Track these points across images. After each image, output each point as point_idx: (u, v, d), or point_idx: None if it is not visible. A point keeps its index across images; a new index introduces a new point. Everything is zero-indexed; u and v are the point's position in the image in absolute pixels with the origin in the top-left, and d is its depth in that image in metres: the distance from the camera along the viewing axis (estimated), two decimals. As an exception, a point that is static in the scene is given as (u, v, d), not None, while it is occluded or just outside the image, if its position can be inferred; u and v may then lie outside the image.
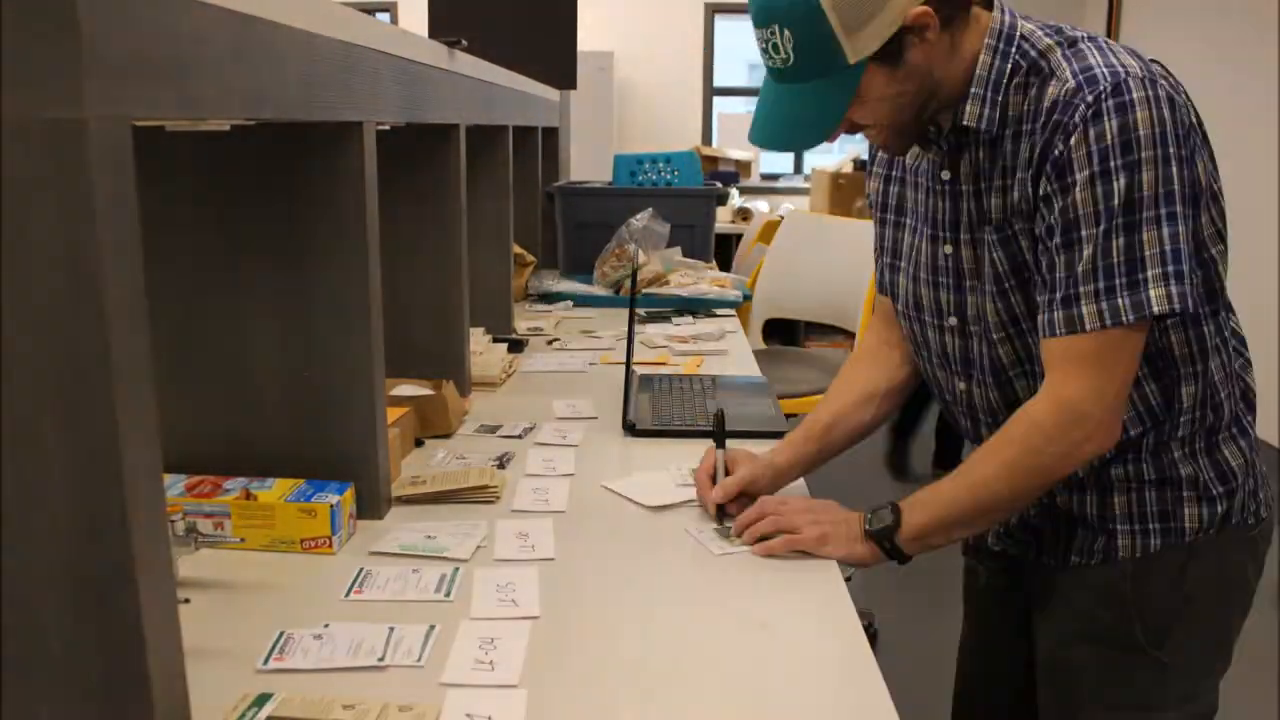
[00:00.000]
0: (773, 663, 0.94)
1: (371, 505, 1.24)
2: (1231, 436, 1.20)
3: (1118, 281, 1.03)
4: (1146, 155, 1.01)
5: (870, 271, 3.09)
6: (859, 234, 3.21)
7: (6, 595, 0.65)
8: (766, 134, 1.13)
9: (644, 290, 2.68)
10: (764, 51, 1.09)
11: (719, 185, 3.18)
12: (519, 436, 1.60)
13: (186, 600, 0.98)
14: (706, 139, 6.42)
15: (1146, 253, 1.02)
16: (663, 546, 1.20)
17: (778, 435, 1.52)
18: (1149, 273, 1.02)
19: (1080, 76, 1.04)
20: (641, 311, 2.59)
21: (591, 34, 5.52)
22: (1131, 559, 1.19)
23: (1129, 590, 1.19)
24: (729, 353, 2.20)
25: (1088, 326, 1.04)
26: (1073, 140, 1.03)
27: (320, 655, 0.93)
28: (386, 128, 1.58)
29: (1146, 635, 1.19)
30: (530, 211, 3.02)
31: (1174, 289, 1.02)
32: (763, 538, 1.17)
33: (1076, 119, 1.03)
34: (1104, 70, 1.03)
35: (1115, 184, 1.01)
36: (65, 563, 0.65)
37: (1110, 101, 1.01)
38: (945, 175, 1.18)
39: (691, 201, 2.94)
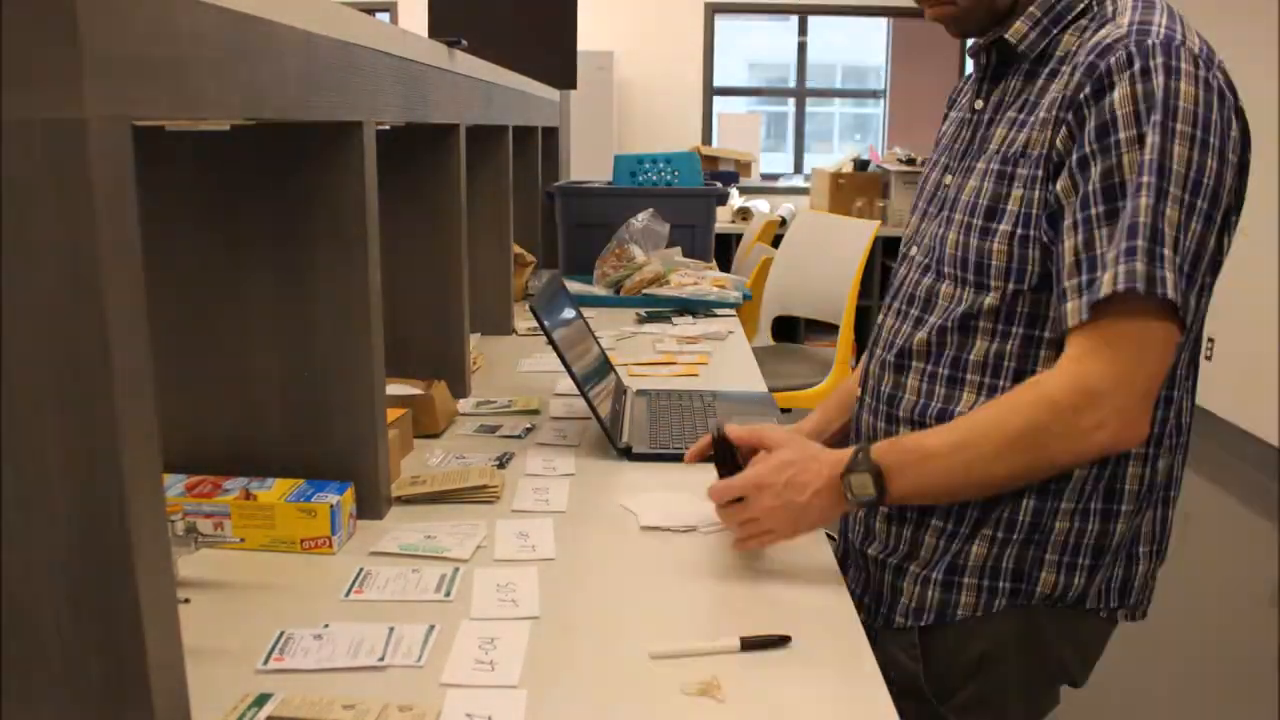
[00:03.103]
0: (773, 663, 0.94)
1: (371, 505, 1.24)
2: (1128, 513, 1.09)
3: (1139, 244, 0.92)
4: (1183, 129, 0.94)
5: (858, 269, 3.11)
6: (866, 233, 3.22)
7: (6, 595, 0.65)
8: None
9: (644, 290, 2.68)
10: None
11: (719, 185, 3.18)
12: (519, 436, 1.60)
13: (186, 600, 0.99)
14: (706, 139, 6.42)
15: (1167, 233, 0.93)
16: (663, 546, 1.20)
17: None
18: (1166, 251, 0.93)
19: (1135, 27, 0.97)
20: (642, 311, 2.60)
21: (591, 34, 5.52)
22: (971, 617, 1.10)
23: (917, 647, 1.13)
24: (730, 353, 2.20)
25: (1103, 292, 0.94)
26: (1115, 96, 0.95)
27: (320, 655, 0.93)
28: (386, 128, 1.58)
29: (931, 684, 1.13)
30: (530, 211, 3.02)
31: (1183, 284, 0.94)
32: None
33: (1116, 70, 0.95)
34: (1161, 30, 0.96)
35: (1125, 151, 0.94)
36: (65, 563, 0.65)
37: (1158, 60, 0.94)
38: (978, 104, 1.14)
39: (691, 201, 2.94)
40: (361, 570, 1.11)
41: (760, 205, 5.76)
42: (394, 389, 1.56)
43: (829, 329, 3.27)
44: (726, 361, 2.13)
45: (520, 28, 3.23)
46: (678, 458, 1.48)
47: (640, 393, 1.80)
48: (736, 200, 5.76)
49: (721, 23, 6.39)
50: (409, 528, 1.22)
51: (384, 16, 6.16)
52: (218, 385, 1.21)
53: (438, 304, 1.72)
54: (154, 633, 0.68)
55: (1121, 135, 0.95)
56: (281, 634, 0.96)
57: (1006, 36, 1.07)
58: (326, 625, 0.98)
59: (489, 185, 2.19)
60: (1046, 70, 1.05)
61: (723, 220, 5.21)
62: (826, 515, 1.07)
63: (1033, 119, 1.04)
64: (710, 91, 6.44)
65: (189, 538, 1.02)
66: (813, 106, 6.72)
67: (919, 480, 1.03)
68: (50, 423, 0.63)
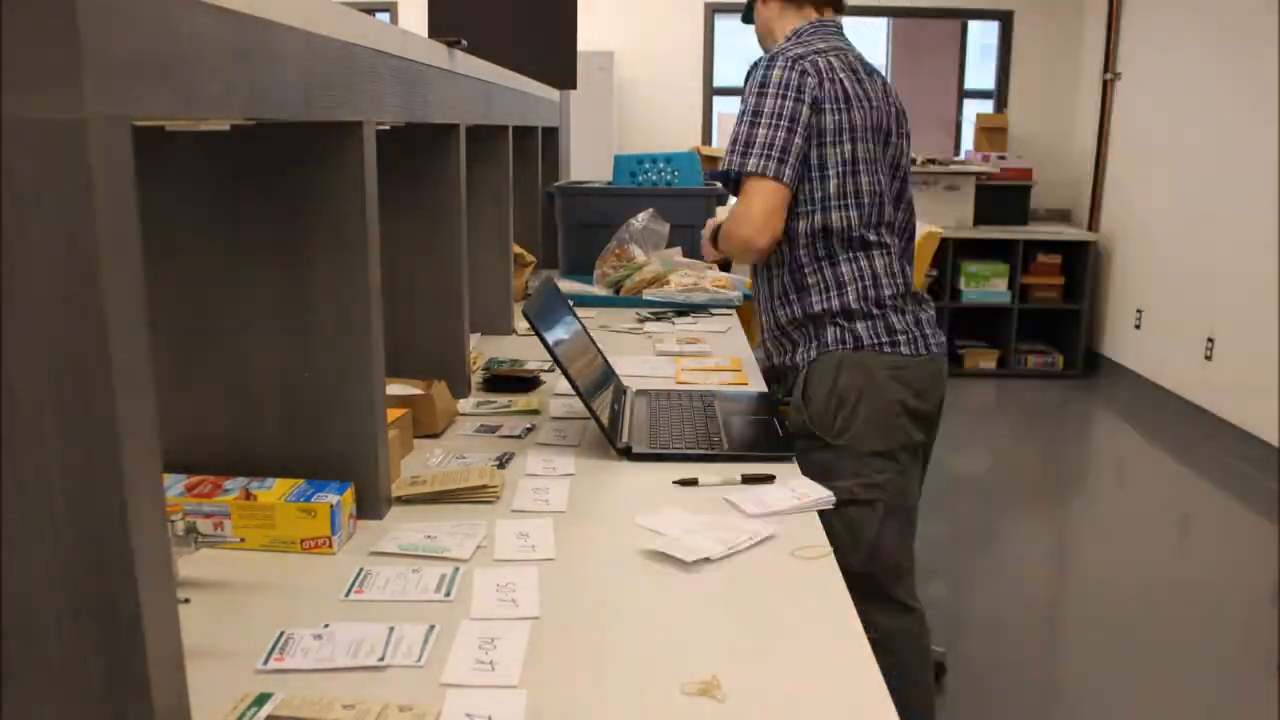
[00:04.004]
0: (773, 663, 0.94)
1: (371, 505, 1.24)
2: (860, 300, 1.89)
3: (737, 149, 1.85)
4: (772, 90, 1.82)
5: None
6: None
7: (6, 595, 0.65)
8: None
9: (644, 290, 2.68)
10: None
11: (719, 185, 3.17)
12: (519, 436, 1.60)
13: (186, 600, 0.99)
14: (706, 139, 6.42)
15: (758, 140, 1.82)
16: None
17: (784, 458, 1.50)
18: (754, 148, 1.83)
19: (765, 54, 1.91)
20: (643, 311, 2.60)
21: (591, 34, 5.52)
22: (806, 366, 1.89)
23: (799, 396, 1.88)
24: (731, 353, 2.20)
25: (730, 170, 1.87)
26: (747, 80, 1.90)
27: (320, 655, 0.93)
28: (386, 128, 1.58)
29: (814, 424, 1.86)
30: (530, 211, 3.03)
31: (773, 166, 1.81)
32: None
33: (753, 70, 1.89)
34: (776, 52, 1.88)
35: (749, 100, 1.85)
36: (65, 563, 0.65)
37: (764, 61, 1.87)
38: None
39: (691, 201, 2.94)
40: (361, 570, 1.11)
41: (760, 205, 5.74)
42: (394, 389, 1.56)
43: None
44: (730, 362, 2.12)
45: (520, 28, 3.23)
46: (678, 458, 1.49)
47: (640, 393, 1.80)
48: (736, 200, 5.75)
49: (721, 23, 6.39)
50: (409, 528, 1.22)
51: (384, 16, 6.16)
52: (218, 385, 1.21)
53: (438, 304, 1.72)
54: (154, 633, 0.68)
55: (747, 96, 1.87)
56: (281, 634, 0.96)
57: None
58: (326, 625, 0.98)
59: (489, 185, 2.19)
60: None
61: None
62: None
63: None
64: (710, 91, 6.44)
65: (189, 538, 1.02)
66: (813, 106, 6.71)
67: None
68: (50, 423, 0.63)
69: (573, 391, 1.49)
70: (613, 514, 1.29)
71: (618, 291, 2.71)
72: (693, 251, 2.92)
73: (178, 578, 1.00)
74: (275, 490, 1.16)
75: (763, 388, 1.91)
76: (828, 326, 1.88)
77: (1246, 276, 4.47)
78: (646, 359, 2.11)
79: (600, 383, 1.64)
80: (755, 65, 1.88)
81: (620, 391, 1.75)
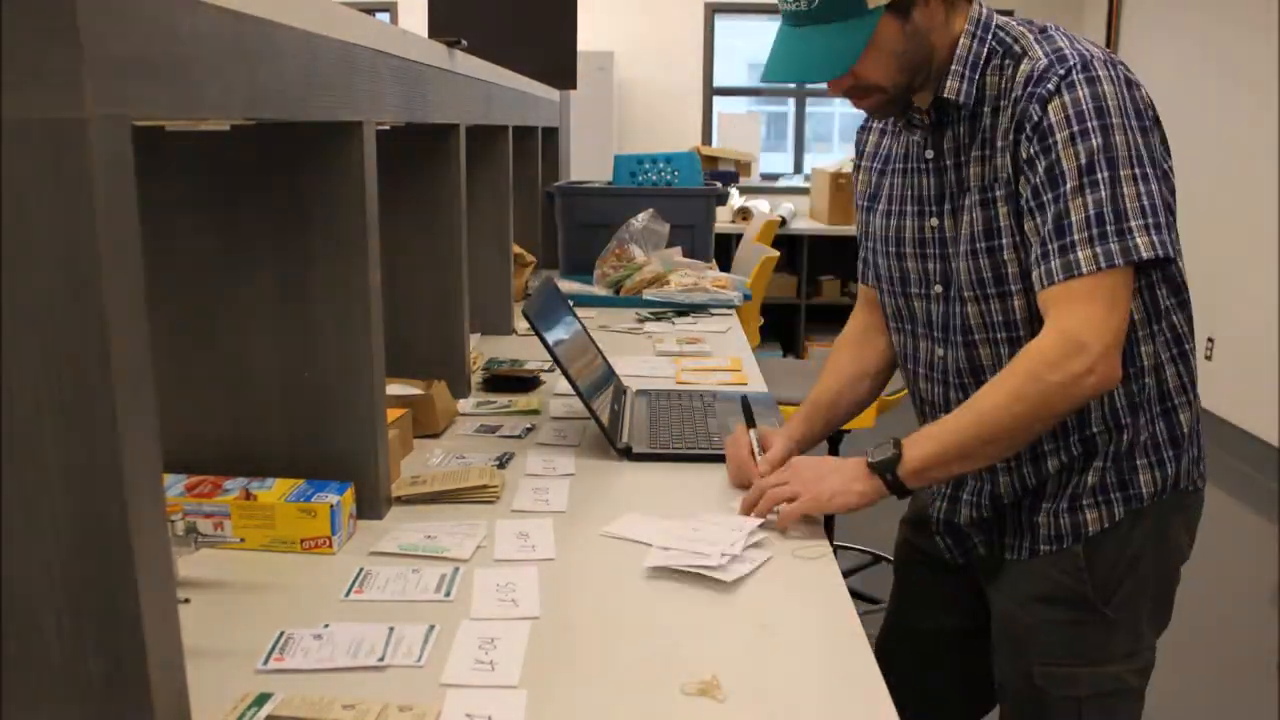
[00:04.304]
0: (773, 663, 0.94)
1: (371, 505, 1.24)
2: (1183, 404, 1.29)
3: (1109, 228, 1.12)
4: (1116, 121, 1.13)
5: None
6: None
7: (6, 595, 0.65)
8: (785, 69, 1.21)
9: (644, 290, 2.68)
10: (799, 5, 1.19)
11: (719, 185, 3.18)
12: (519, 436, 1.60)
13: (186, 600, 0.99)
14: (706, 139, 6.42)
15: (1128, 205, 1.12)
16: (663, 546, 1.19)
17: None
18: (1133, 222, 1.12)
19: (1052, 55, 1.17)
20: (642, 311, 2.60)
21: (591, 34, 5.52)
22: (1099, 531, 1.27)
23: (1081, 552, 1.27)
24: (731, 353, 2.20)
25: (1084, 270, 1.12)
26: (1050, 106, 1.14)
27: (320, 655, 0.93)
28: (386, 128, 1.58)
29: (1097, 593, 1.27)
30: (530, 211, 3.03)
31: (1155, 238, 1.12)
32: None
33: (1051, 88, 1.14)
34: (1072, 51, 1.16)
35: (1094, 141, 1.12)
36: (65, 563, 0.65)
37: (1080, 75, 1.14)
38: (929, 154, 1.29)
39: (691, 201, 2.94)
40: (361, 570, 1.11)
41: (760, 205, 5.76)
42: (394, 389, 1.56)
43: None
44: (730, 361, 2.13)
45: (520, 28, 3.23)
46: (678, 458, 1.48)
47: (640, 393, 1.80)
48: (736, 200, 5.76)
49: (721, 23, 6.39)
50: (409, 528, 1.22)
51: (384, 16, 6.16)
52: (218, 385, 1.21)
53: (438, 304, 1.72)
54: (154, 633, 0.68)
55: (1077, 137, 1.13)
56: (281, 634, 0.96)
57: (945, 95, 1.23)
58: (326, 625, 0.98)
59: (489, 185, 2.19)
60: (988, 110, 1.22)
61: (723, 220, 5.21)
62: (849, 483, 1.23)
63: (994, 151, 1.22)
64: (710, 91, 6.44)
65: (189, 538, 1.02)
66: (813, 106, 6.72)
67: (930, 441, 1.20)
68: (50, 423, 0.63)
69: (573, 391, 1.49)
70: (613, 514, 1.29)
71: (618, 291, 2.71)
72: (693, 251, 2.92)
73: (178, 578, 1.00)
74: (275, 490, 1.16)
75: (763, 388, 1.91)
76: (1138, 463, 1.26)
77: (1246, 276, 4.47)
78: (646, 359, 2.11)
79: (600, 383, 1.64)
80: (1041, 79, 1.15)
81: (620, 391, 1.75)
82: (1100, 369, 1.11)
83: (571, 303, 1.79)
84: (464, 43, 1.71)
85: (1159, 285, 1.24)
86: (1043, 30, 1.21)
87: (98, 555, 0.65)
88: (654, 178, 3.07)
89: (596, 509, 1.31)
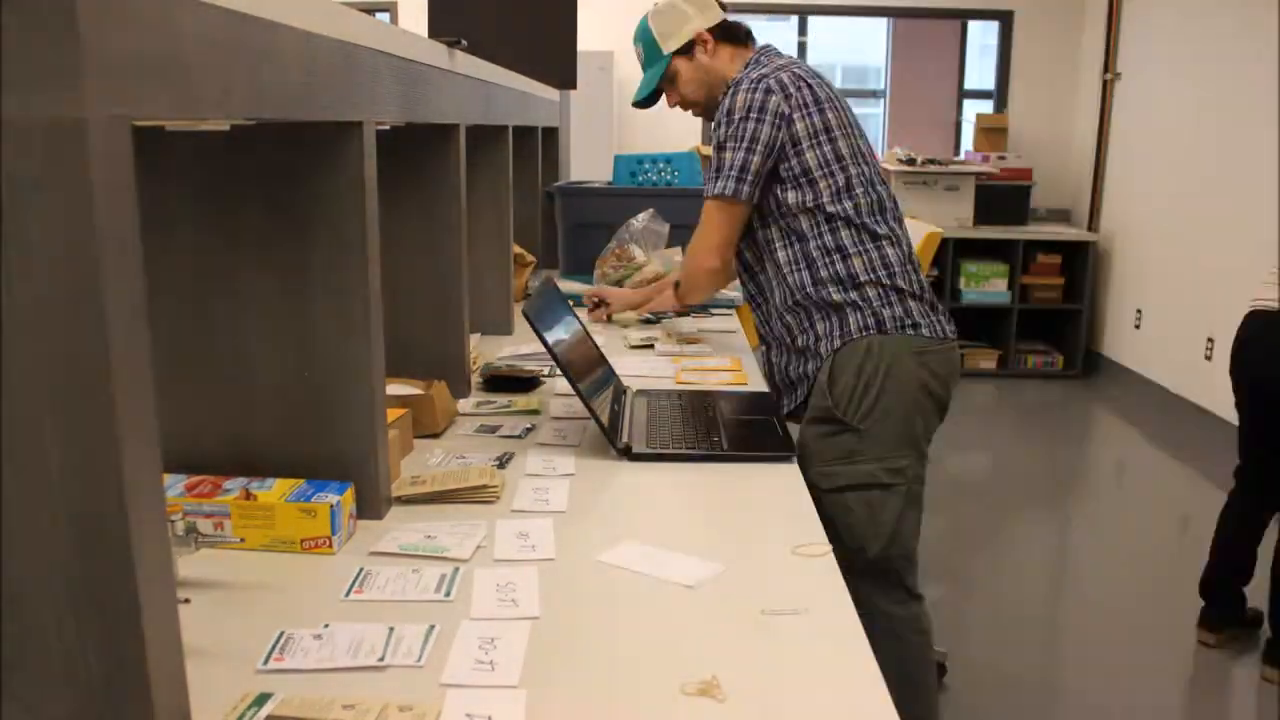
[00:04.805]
0: (773, 663, 0.94)
1: (371, 505, 1.24)
2: (837, 288, 1.90)
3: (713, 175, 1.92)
4: (738, 117, 1.88)
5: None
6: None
7: (6, 595, 0.65)
8: (636, 94, 2.12)
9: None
10: (637, 54, 2.10)
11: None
12: (519, 436, 1.60)
13: (186, 600, 0.99)
14: (706, 139, 6.42)
15: (729, 163, 1.90)
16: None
17: (784, 458, 1.50)
18: (729, 173, 1.90)
19: (741, 75, 1.95)
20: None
21: (591, 34, 5.51)
22: (830, 356, 1.88)
23: (825, 380, 1.87)
24: (731, 353, 2.20)
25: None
26: (723, 106, 1.94)
27: (320, 655, 0.93)
28: (386, 128, 1.58)
29: (839, 408, 1.85)
30: (530, 211, 3.02)
31: (731, 185, 1.89)
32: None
33: (723, 96, 1.97)
34: (746, 75, 1.93)
35: (720, 130, 1.91)
36: (65, 563, 0.65)
37: (730, 89, 1.94)
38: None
39: (691, 201, 2.93)
40: (361, 570, 1.11)
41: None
42: (394, 389, 1.56)
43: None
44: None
45: (520, 28, 3.23)
46: (678, 458, 1.49)
47: (640, 393, 1.80)
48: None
49: (721, 23, 6.38)
50: (409, 528, 1.22)
51: (384, 16, 6.15)
52: (217, 385, 1.21)
53: (438, 304, 1.72)
54: (154, 632, 0.68)
55: (721, 124, 1.92)
56: (281, 634, 0.96)
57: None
58: (326, 625, 0.98)
59: (489, 185, 2.19)
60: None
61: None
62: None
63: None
64: (710, 91, 6.43)
65: (189, 538, 1.02)
66: (813, 106, 6.72)
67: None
68: (50, 423, 0.63)
69: (573, 391, 1.49)
70: (613, 514, 1.29)
71: (618, 292, 2.70)
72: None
73: (178, 578, 1.00)
74: (275, 490, 1.16)
75: (763, 388, 1.91)
76: (849, 313, 1.87)
77: (1246, 276, 4.47)
78: (646, 359, 2.11)
79: (600, 383, 1.64)
80: (727, 91, 1.95)
81: (620, 391, 1.75)
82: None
83: (571, 303, 1.79)
84: (464, 43, 1.71)
85: (814, 212, 1.90)
86: (760, 60, 1.99)
87: (98, 555, 0.65)
88: (654, 178, 3.07)
89: (596, 509, 1.31)
